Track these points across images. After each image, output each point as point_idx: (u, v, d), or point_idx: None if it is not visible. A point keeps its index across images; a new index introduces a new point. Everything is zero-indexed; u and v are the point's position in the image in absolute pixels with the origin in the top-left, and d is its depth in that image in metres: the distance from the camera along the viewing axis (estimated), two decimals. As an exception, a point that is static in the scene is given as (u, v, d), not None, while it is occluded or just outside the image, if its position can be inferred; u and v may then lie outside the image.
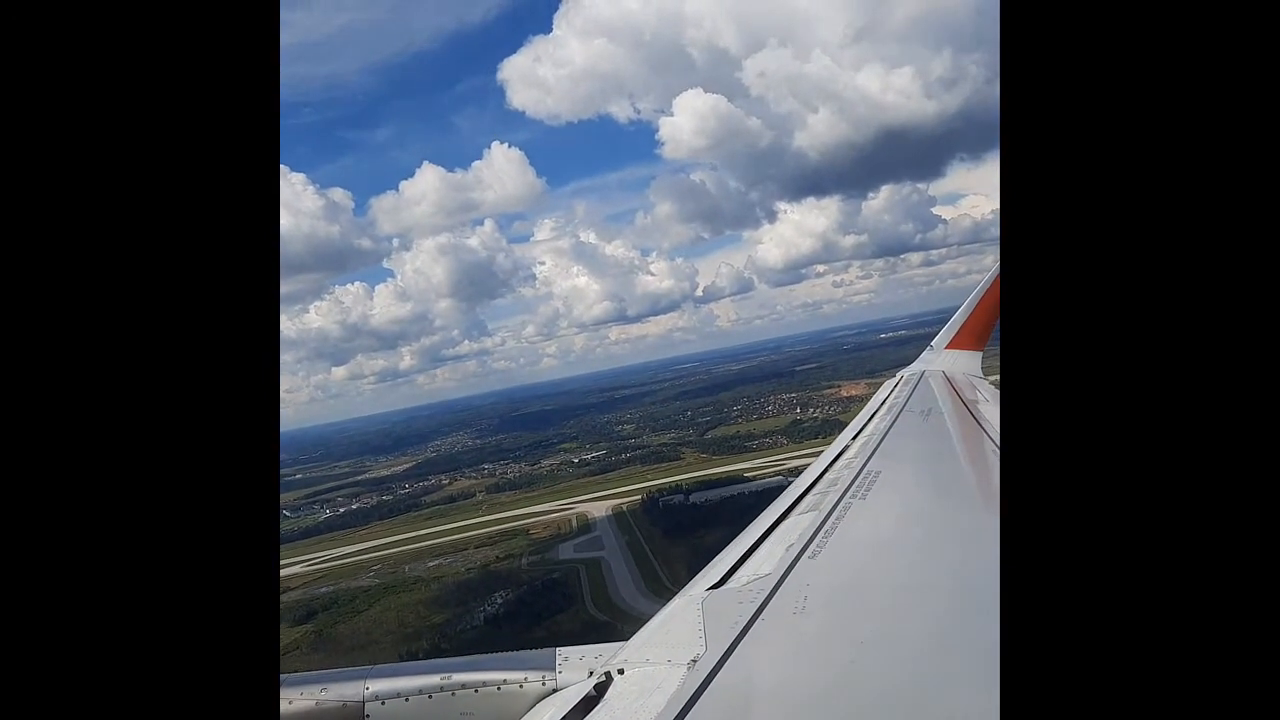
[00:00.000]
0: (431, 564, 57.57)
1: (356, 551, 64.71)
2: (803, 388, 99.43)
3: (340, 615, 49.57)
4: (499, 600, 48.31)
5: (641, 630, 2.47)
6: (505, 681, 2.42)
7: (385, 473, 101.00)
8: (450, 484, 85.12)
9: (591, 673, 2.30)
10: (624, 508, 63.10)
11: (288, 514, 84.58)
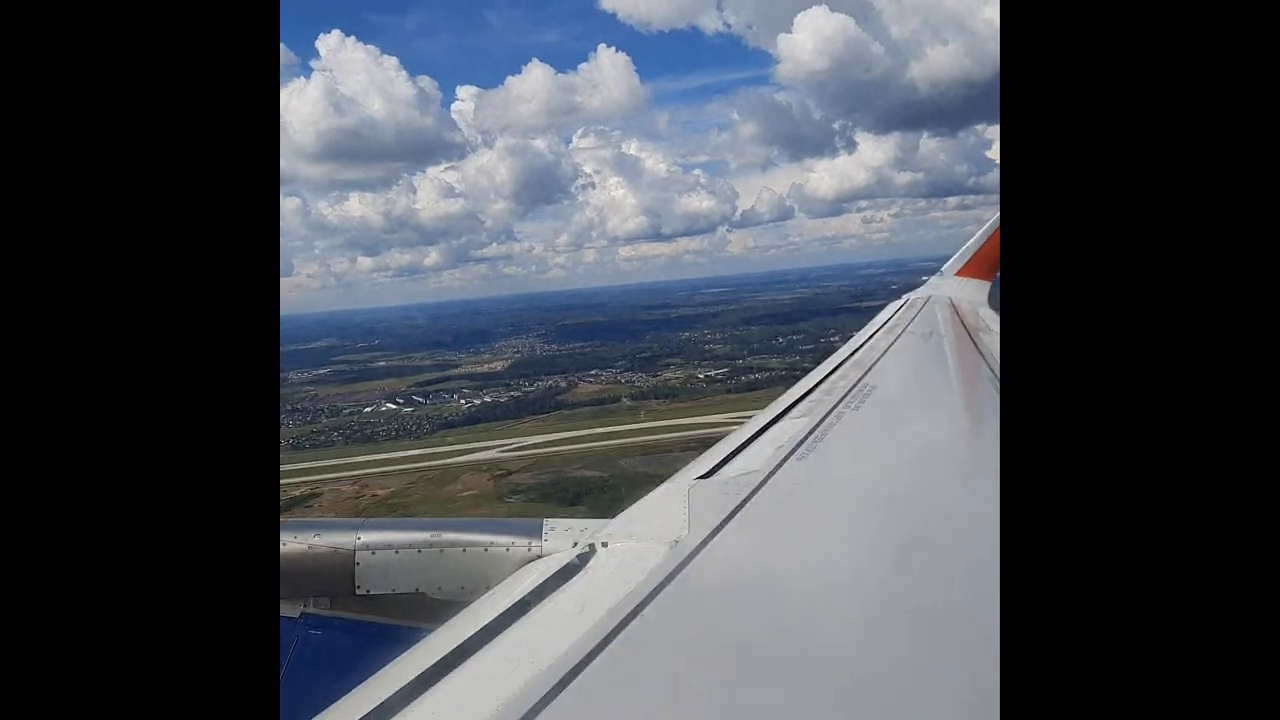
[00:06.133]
0: (640, 459, 61.84)
1: (542, 443, 68.42)
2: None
3: (608, 496, 50.99)
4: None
5: (628, 509, 2.51)
6: (493, 544, 2.51)
7: (484, 369, 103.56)
8: (575, 388, 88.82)
9: (576, 544, 2.34)
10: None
11: (420, 400, 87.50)
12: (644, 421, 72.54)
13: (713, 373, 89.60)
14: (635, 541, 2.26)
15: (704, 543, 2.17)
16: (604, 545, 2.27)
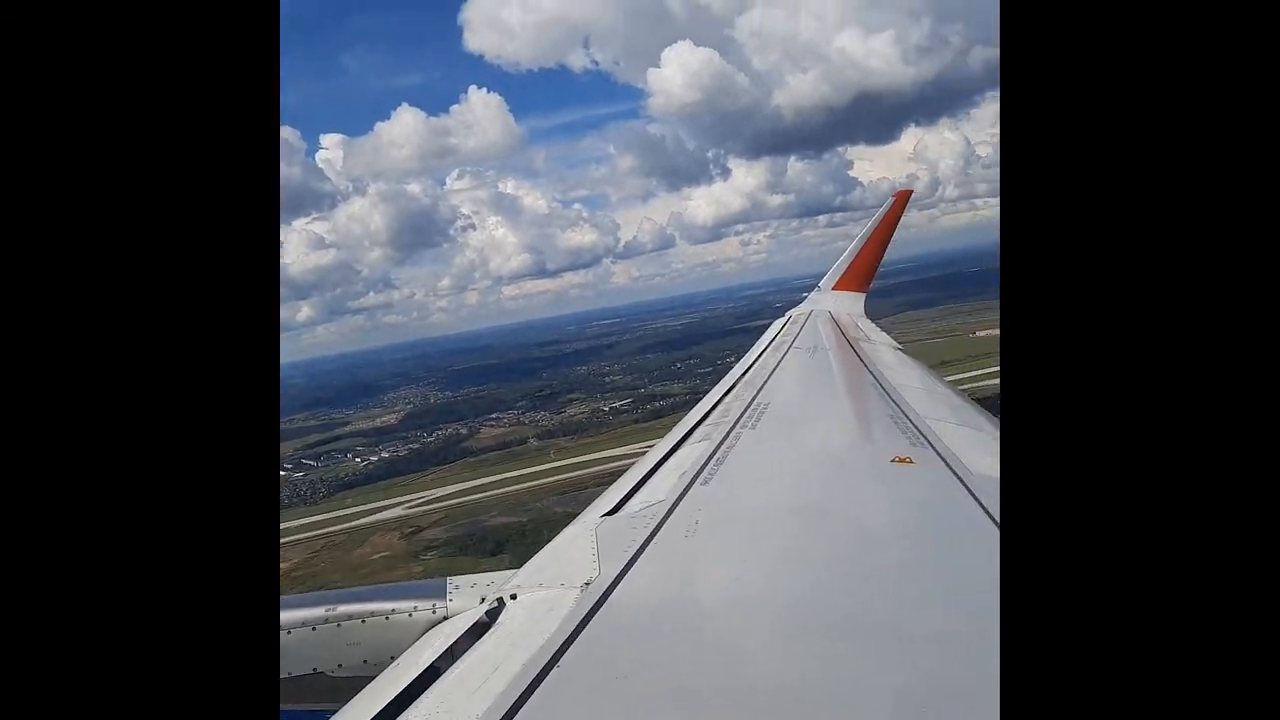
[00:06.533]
0: (555, 499, 60.41)
1: (451, 494, 65.61)
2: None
3: (529, 541, 51.65)
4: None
5: (535, 557, 2.47)
6: (394, 611, 2.38)
7: (376, 424, 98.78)
8: (478, 433, 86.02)
9: (484, 599, 2.26)
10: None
11: (310, 464, 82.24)
12: (555, 460, 71.20)
13: (617, 404, 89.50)
14: (545, 589, 2.19)
15: (615, 582, 2.12)
16: (513, 597, 2.18)
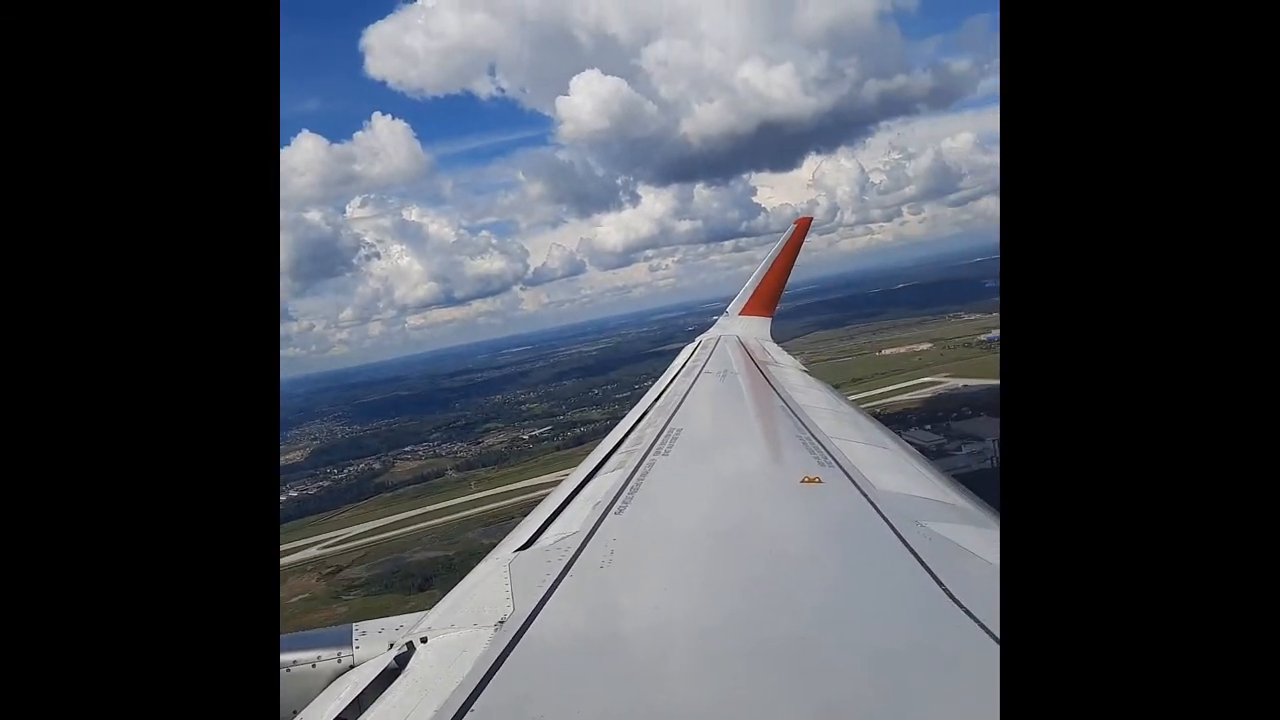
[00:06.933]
0: (482, 530, 59.03)
1: (369, 531, 63.10)
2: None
3: (458, 574, 50.26)
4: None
5: (445, 598, 2.42)
6: (296, 662, 2.29)
7: (281, 462, 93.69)
8: (393, 467, 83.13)
9: (392, 645, 2.21)
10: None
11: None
12: (477, 491, 69.53)
13: (537, 432, 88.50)
14: (457, 630, 2.12)
15: (531, 618, 2.07)
16: (423, 641, 2.12)
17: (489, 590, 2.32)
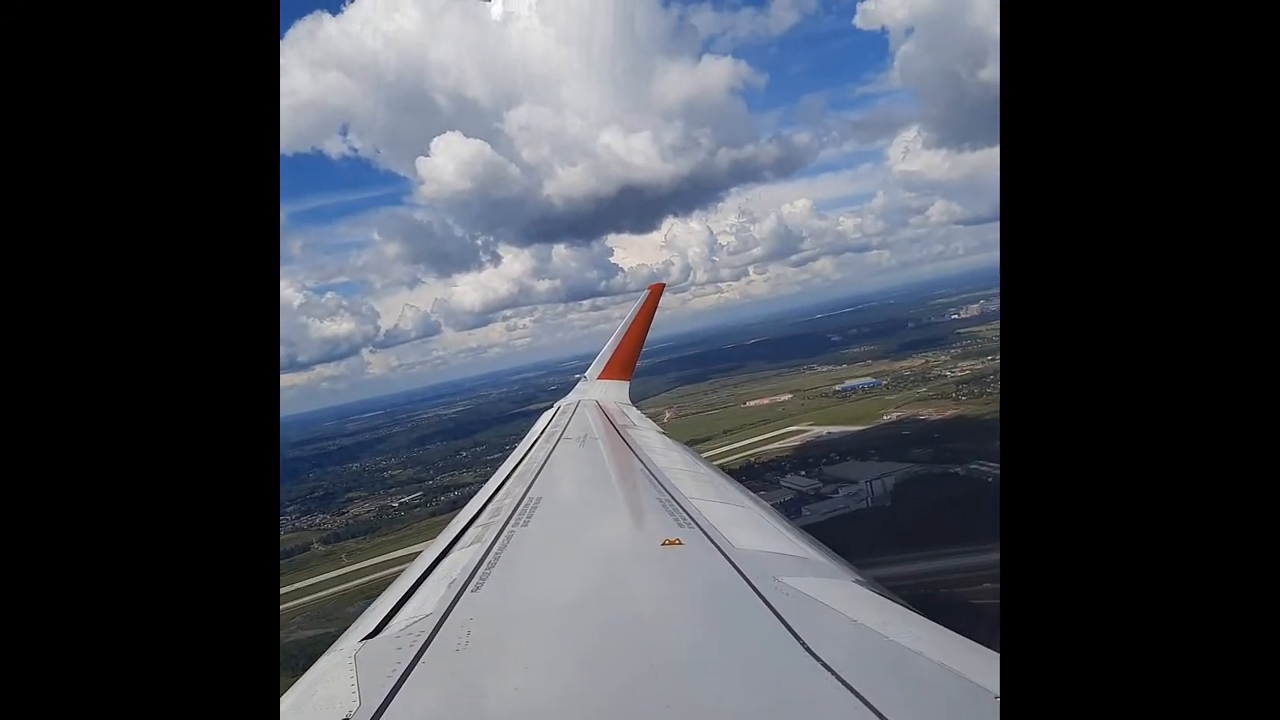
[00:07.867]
0: (364, 603, 55.82)
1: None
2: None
3: None
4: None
5: (285, 696, 2.20)
6: None
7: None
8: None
9: None
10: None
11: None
12: (350, 564, 65.65)
13: (406, 499, 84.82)
14: None
15: (378, 713, 1.91)
16: None
17: (332, 686, 2.10)
